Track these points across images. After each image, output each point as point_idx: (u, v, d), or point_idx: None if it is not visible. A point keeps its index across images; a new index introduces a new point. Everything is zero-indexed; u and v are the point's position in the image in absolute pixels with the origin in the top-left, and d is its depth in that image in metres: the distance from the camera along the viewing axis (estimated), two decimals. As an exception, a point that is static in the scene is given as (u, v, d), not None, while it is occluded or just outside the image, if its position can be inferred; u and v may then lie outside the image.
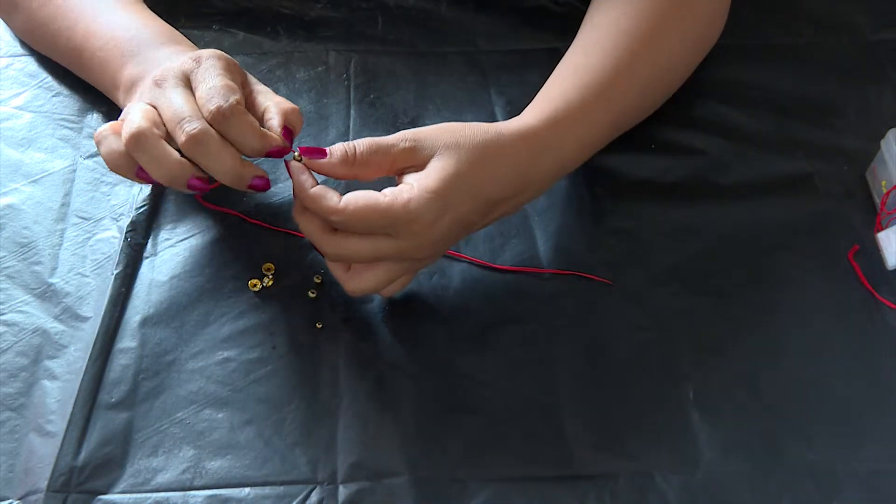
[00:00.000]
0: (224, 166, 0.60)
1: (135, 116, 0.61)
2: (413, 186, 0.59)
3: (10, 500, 0.58)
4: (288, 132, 0.62)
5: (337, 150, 0.60)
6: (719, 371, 0.65)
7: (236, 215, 0.71)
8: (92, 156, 0.75)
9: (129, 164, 0.62)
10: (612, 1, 0.72)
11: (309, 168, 0.61)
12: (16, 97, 0.79)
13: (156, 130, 0.60)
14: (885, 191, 0.71)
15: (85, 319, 0.66)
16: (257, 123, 0.61)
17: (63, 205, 0.72)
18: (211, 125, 0.60)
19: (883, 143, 0.72)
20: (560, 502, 0.59)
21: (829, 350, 0.66)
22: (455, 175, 0.59)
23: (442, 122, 0.63)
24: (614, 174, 0.75)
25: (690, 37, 0.75)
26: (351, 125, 0.78)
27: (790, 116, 0.79)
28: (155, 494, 0.59)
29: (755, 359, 0.65)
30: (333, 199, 0.59)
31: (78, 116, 0.77)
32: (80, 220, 0.71)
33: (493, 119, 0.78)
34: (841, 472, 0.60)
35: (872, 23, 0.86)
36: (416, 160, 0.60)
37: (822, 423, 0.63)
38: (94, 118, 0.77)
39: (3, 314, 0.66)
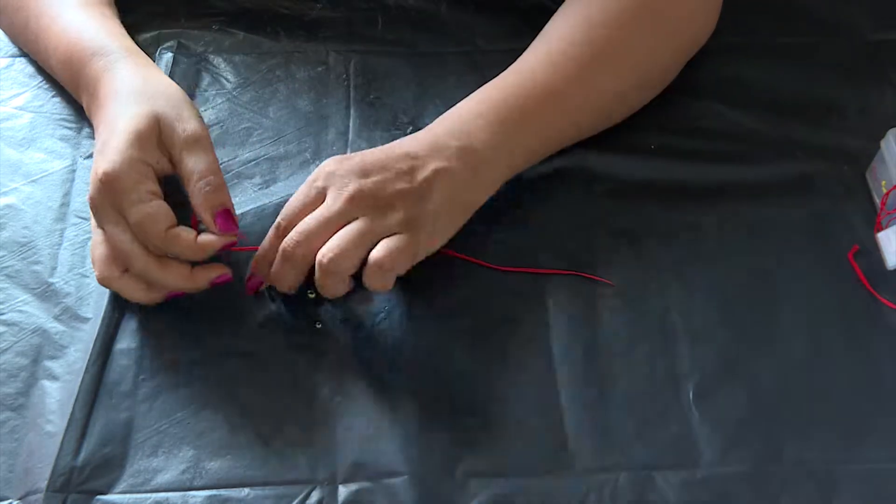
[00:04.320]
0: (176, 281, 0.63)
1: (93, 259, 0.64)
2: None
3: (10, 500, 0.58)
4: (224, 219, 0.63)
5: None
6: (719, 371, 0.65)
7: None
8: (91, 156, 0.75)
9: (152, 293, 0.64)
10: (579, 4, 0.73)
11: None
12: (16, 97, 0.79)
13: (114, 271, 0.63)
14: (885, 191, 0.71)
15: (85, 320, 0.66)
16: (192, 238, 0.62)
17: (63, 205, 0.72)
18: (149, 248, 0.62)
19: (883, 143, 0.72)
20: (560, 502, 0.59)
21: (829, 350, 0.66)
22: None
23: None
24: (614, 174, 0.74)
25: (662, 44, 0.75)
26: (351, 125, 0.78)
27: (790, 116, 0.79)
28: (155, 494, 0.59)
29: (755, 359, 0.65)
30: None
31: (78, 117, 0.77)
32: (80, 220, 0.71)
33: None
34: (841, 472, 0.60)
35: (872, 23, 0.86)
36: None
37: (822, 423, 0.63)
38: (94, 118, 0.77)
39: (3, 314, 0.66)
